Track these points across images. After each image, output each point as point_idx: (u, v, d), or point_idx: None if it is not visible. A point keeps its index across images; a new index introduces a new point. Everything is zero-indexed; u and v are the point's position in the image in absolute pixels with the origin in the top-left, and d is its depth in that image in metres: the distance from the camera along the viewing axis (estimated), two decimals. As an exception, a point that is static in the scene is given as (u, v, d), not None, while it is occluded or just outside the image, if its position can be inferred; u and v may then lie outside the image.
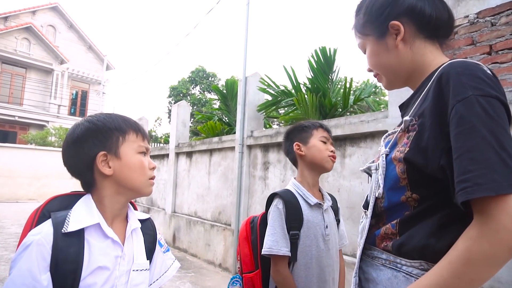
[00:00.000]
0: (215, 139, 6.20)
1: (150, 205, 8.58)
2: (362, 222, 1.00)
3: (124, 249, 1.01)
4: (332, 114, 4.69)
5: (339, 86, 5.12)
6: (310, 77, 4.96)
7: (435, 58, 0.93)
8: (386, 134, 1.00)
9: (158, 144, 18.34)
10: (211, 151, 6.33)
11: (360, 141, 3.65)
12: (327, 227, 1.54)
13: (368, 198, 1.00)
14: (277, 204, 1.53)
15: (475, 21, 2.78)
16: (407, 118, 0.87)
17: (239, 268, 1.62)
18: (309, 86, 4.96)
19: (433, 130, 0.79)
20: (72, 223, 0.93)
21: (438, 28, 0.93)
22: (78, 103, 23.18)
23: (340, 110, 4.80)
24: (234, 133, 6.32)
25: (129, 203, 1.11)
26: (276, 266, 1.46)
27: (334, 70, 4.91)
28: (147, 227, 1.15)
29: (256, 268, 1.55)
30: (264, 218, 1.61)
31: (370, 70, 1.06)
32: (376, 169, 0.94)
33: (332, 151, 1.61)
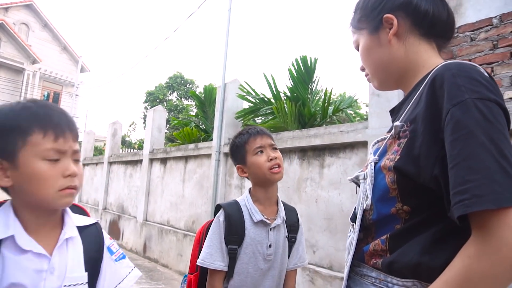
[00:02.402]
0: (191, 145, 6.05)
1: (121, 212, 8.27)
2: (349, 236, 0.91)
3: (52, 262, 0.86)
4: (311, 123, 4.66)
5: (318, 96, 5.11)
6: (290, 86, 4.93)
7: (429, 58, 0.87)
8: (375, 140, 0.92)
9: (132, 149, 17.89)
10: (186, 158, 6.16)
11: (339, 151, 3.60)
12: (270, 246, 1.43)
13: (356, 210, 0.92)
14: (219, 216, 1.45)
15: (455, 35, 2.80)
16: (397, 123, 0.80)
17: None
18: (289, 95, 4.92)
19: (426, 136, 0.72)
20: None
21: (435, 26, 0.87)
22: (50, 105, 22.36)
23: (319, 120, 4.77)
24: (211, 140, 6.19)
25: (66, 207, 0.95)
26: (210, 278, 1.41)
27: (314, 80, 4.90)
28: (91, 234, 1.00)
29: (196, 270, 1.52)
30: (210, 224, 1.54)
31: (362, 69, 1.00)
32: (364, 179, 0.87)
33: (272, 158, 1.43)
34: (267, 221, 1.44)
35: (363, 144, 3.34)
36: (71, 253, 0.92)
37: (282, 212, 1.51)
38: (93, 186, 10.26)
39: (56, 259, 0.87)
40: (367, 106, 12.57)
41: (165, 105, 20.24)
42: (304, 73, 4.77)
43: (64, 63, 23.24)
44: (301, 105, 4.68)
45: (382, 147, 0.84)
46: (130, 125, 24.64)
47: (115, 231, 8.14)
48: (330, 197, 3.60)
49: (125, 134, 23.31)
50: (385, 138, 0.86)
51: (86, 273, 0.93)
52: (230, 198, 4.96)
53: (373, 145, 0.92)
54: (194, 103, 20.77)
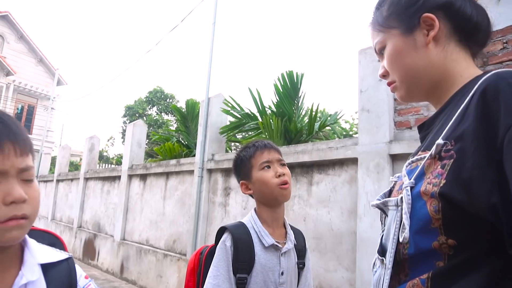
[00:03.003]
0: (173, 161, 5.84)
1: (97, 231, 7.89)
2: (375, 271, 0.79)
3: None
4: (297, 139, 4.57)
5: (304, 111, 5.04)
6: (276, 101, 4.85)
7: (468, 67, 0.77)
8: (409, 161, 0.80)
9: (110, 165, 17.38)
10: (167, 174, 5.94)
11: (328, 168, 3.51)
12: (282, 273, 1.30)
13: (383, 241, 0.79)
14: (226, 240, 1.30)
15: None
16: (440, 141, 0.68)
17: None
18: (275, 110, 4.84)
19: (477, 157, 0.60)
20: None
21: (476, 32, 0.77)
22: (24, 118, 21.61)
23: (305, 136, 4.70)
24: (193, 156, 6.01)
25: (26, 239, 0.76)
26: None
27: (300, 95, 4.84)
28: (59, 273, 0.81)
29: None
30: (212, 251, 1.39)
31: (383, 76, 0.88)
32: (397, 206, 0.74)
33: (280, 175, 1.33)
34: (279, 245, 1.30)
35: (353, 161, 3.26)
36: None
37: (291, 235, 1.37)
38: (68, 203, 9.81)
39: None
40: (346, 122, 12.68)
41: (145, 119, 19.87)
42: (290, 88, 4.71)
43: (40, 75, 22.57)
44: (287, 121, 4.59)
45: (419, 168, 0.72)
46: (108, 140, 24.06)
47: (90, 251, 7.74)
48: (319, 215, 3.48)
49: (102, 149, 22.71)
50: (421, 158, 0.74)
51: None
52: (214, 216, 4.77)
53: (406, 166, 0.80)
54: (174, 118, 20.55)
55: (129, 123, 20.95)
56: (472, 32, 0.77)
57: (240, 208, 4.39)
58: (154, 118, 20.48)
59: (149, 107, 21.74)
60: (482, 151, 0.60)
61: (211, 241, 5.17)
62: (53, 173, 11.40)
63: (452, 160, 0.64)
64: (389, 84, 0.87)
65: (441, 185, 0.64)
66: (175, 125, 19.07)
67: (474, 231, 0.61)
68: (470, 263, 0.61)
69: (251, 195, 1.40)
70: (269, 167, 1.34)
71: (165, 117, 21.23)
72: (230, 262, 1.25)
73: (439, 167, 0.66)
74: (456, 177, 0.62)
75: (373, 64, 3.25)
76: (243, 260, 1.25)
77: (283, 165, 1.37)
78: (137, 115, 20.88)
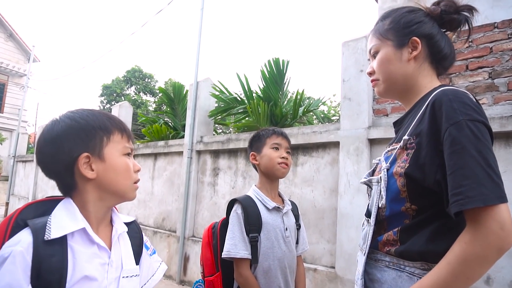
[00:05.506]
0: (161, 143, 6.03)
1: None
2: (364, 229, 1.10)
3: (111, 255, 0.96)
4: (282, 123, 4.87)
5: (289, 97, 5.32)
6: (262, 86, 5.09)
7: (431, 82, 1.07)
8: (386, 149, 1.11)
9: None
10: (155, 155, 6.14)
11: (312, 150, 3.84)
12: (287, 229, 1.62)
13: (369, 207, 1.10)
14: (236, 209, 1.60)
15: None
16: (406, 137, 0.99)
17: (201, 272, 1.68)
18: (261, 95, 5.08)
19: (429, 148, 0.90)
20: (55, 230, 0.85)
21: (443, 60, 1.07)
22: (-6, 96, 20.84)
23: (290, 120, 4.99)
24: (181, 137, 6.21)
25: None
26: (238, 268, 1.52)
27: (285, 81, 5.10)
28: (133, 230, 1.10)
29: (217, 271, 1.61)
30: (224, 223, 1.67)
31: (370, 74, 1.15)
32: (378, 182, 1.05)
33: (283, 157, 1.64)
34: (280, 206, 1.63)
35: (335, 144, 3.59)
36: (123, 247, 1.02)
37: (288, 201, 1.71)
38: (50, 183, 9.81)
39: (113, 252, 0.97)
40: (324, 105, 13.06)
41: (123, 99, 19.60)
42: (276, 75, 4.95)
43: (10, 51, 21.69)
44: (273, 105, 4.86)
45: (392, 156, 1.03)
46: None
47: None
48: (303, 193, 3.82)
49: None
50: (394, 148, 1.04)
51: (138, 266, 1.04)
52: (203, 195, 5.05)
53: (384, 153, 1.10)
54: (153, 99, 20.38)
55: (106, 102, 20.60)
56: (441, 59, 1.07)
57: (229, 187, 4.69)
58: (133, 98, 20.22)
59: (127, 86, 21.39)
60: (432, 145, 0.91)
61: (201, 219, 5.48)
62: (32, 153, 11.28)
63: (413, 150, 0.95)
64: (372, 80, 1.15)
65: (406, 167, 0.95)
66: (154, 106, 19.03)
67: (428, 200, 0.93)
68: (425, 221, 0.93)
69: (254, 166, 1.72)
70: (277, 149, 1.66)
71: (144, 97, 21.01)
72: (242, 225, 1.55)
73: (405, 155, 0.97)
74: (416, 162, 0.93)
75: (355, 56, 3.55)
76: (253, 222, 1.55)
77: (289, 153, 1.68)
78: (114, 94, 20.55)
